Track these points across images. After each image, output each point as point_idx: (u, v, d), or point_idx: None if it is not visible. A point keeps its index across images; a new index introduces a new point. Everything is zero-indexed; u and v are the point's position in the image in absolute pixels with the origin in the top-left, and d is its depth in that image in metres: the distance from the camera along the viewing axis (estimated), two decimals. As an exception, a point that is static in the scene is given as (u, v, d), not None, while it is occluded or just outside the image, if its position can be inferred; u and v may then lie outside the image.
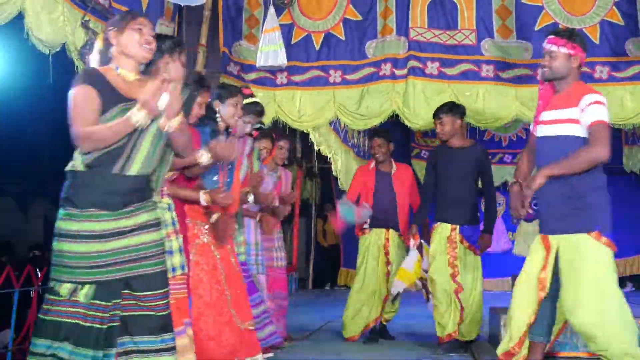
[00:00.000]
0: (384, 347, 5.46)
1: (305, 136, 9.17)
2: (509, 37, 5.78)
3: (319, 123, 6.22)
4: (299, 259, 10.85)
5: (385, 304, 5.62)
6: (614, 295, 3.33)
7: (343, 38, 5.96)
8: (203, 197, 3.56)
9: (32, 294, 5.31)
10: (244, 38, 6.07)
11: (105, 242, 2.71)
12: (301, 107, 5.98)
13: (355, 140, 9.54)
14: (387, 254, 5.61)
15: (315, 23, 6.00)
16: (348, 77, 5.93)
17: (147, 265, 2.77)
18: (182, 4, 5.34)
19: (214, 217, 3.72)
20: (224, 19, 6.05)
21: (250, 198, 4.31)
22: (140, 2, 4.88)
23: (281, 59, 5.69)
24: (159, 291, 2.80)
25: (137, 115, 2.66)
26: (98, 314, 2.71)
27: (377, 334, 5.63)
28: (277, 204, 4.98)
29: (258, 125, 4.98)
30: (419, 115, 5.70)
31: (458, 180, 5.07)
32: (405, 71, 5.83)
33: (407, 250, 5.54)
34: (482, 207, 5.24)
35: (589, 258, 3.36)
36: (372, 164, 5.79)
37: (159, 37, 3.31)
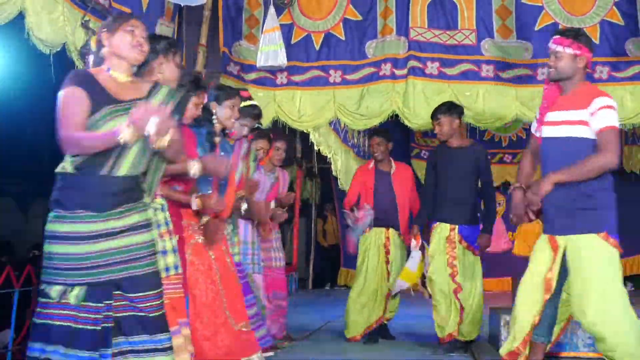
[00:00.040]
0: (384, 347, 5.46)
1: (305, 136, 9.17)
2: (509, 37, 5.78)
3: (319, 123, 6.22)
4: (299, 259, 10.84)
5: (388, 302, 5.61)
6: (622, 296, 3.33)
7: (343, 38, 5.96)
8: (195, 202, 3.53)
9: (32, 294, 5.31)
10: (244, 38, 6.07)
11: (94, 243, 2.71)
12: (301, 107, 5.98)
13: (355, 140, 9.54)
14: (387, 253, 5.60)
15: (315, 23, 6.00)
16: (348, 77, 5.93)
17: (137, 266, 2.76)
18: (182, 4, 5.34)
19: (204, 219, 3.71)
20: (224, 19, 6.05)
21: (244, 207, 4.27)
22: (141, 2, 4.89)
23: (281, 59, 5.69)
24: (151, 292, 2.79)
25: (124, 132, 2.61)
26: (90, 315, 2.70)
27: (377, 334, 5.63)
28: (269, 218, 4.94)
29: (255, 126, 4.98)
30: (418, 115, 5.70)
31: (458, 180, 5.07)
32: (405, 71, 5.83)
33: (407, 249, 5.54)
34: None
35: (598, 259, 3.34)
36: (372, 164, 5.79)
37: (154, 38, 3.30)
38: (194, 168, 3.16)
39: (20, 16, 3.56)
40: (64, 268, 2.69)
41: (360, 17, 5.96)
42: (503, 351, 3.57)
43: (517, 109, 5.74)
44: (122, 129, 2.60)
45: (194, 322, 3.59)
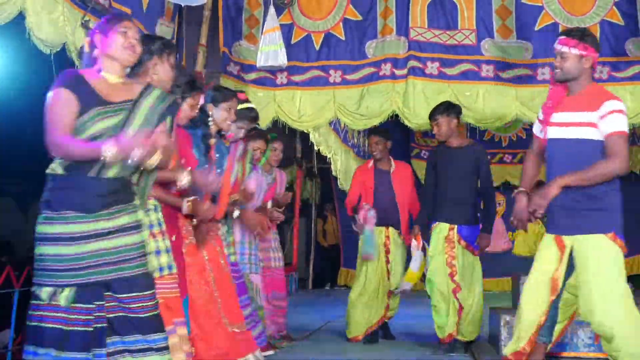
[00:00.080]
0: (384, 347, 5.46)
1: (305, 136, 9.16)
2: (509, 37, 5.78)
3: (319, 123, 6.22)
4: (299, 259, 10.84)
5: (389, 300, 5.60)
6: (629, 297, 3.32)
7: (343, 38, 5.96)
8: (185, 206, 3.49)
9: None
10: (244, 38, 6.07)
11: (84, 244, 2.71)
12: (301, 107, 5.98)
13: (355, 140, 9.54)
14: (387, 252, 5.60)
15: (315, 23, 6.00)
16: (348, 77, 5.93)
17: (127, 267, 2.76)
18: (182, 4, 5.33)
19: (195, 220, 3.70)
20: (224, 19, 6.05)
21: (236, 213, 4.25)
22: (141, 2, 4.88)
23: (281, 59, 5.69)
24: (143, 293, 2.79)
25: (108, 150, 2.61)
26: (81, 317, 2.70)
27: (377, 334, 5.62)
28: (260, 230, 4.92)
29: (252, 127, 4.97)
30: (418, 115, 5.69)
31: (457, 180, 5.07)
32: (405, 71, 5.83)
33: (407, 249, 5.54)
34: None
35: (606, 259, 3.33)
36: (371, 163, 5.78)
37: (149, 38, 3.29)
38: (184, 179, 3.12)
39: (21, 16, 3.56)
40: (54, 269, 2.69)
41: (360, 17, 5.96)
42: (508, 351, 3.54)
43: (517, 109, 5.73)
44: (107, 147, 2.60)
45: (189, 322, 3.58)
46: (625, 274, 3.41)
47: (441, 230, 5.05)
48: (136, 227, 2.83)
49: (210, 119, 3.87)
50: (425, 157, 9.69)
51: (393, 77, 5.85)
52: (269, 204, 5.39)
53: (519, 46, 5.76)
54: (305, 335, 5.96)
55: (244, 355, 3.77)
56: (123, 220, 2.78)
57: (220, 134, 4.02)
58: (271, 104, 5.96)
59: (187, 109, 3.60)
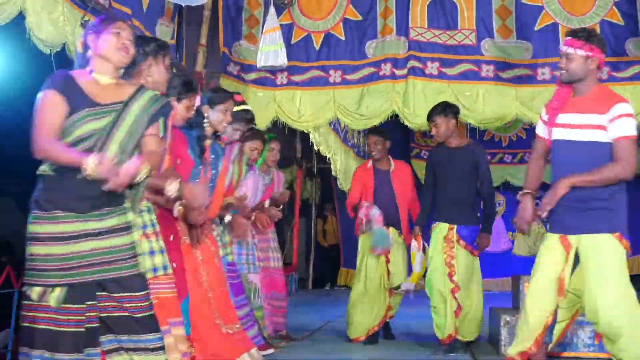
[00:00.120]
0: (384, 347, 5.46)
1: (305, 136, 9.16)
2: (509, 37, 5.78)
3: (318, 123, 6.22)
4: (299, 259, 10.84)
5: (391, 300, 5.59)
6: (633, 297, 3.32)
7: (343, 38, 5.96)
8: (176, 209, 3.49)
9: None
10: (244, 38, 6.08)
11: (73, 244, 2.71)
12: (301, 107, 5.98)
13: (355, 140, 9.55)
14: (387, 252, 5.58)
15: (315, 23, 6.00)
16: (348, 77, 5.93)
17: (121, 268, 2.76)
18: (182, 4, 5.33)
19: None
20: (224, 19, 6.05)
21: (227, 218, 4.23)
22: (141, 2, 4.88)
23: (281, 59, 5.69)
24: (137, 293, 2.79)
25: (88, 167, 2.62)
26: (72, 317, 2.70)
27: (377, 334, 5.61)
28: (249, 237, 4.91)
29: (247, 128, 4.96)
30: (418, 115, 5.69)
31: (457, 180, 5.06)
32: (405, 71, 5.83)
33: (408, 248, 5.53)
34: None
35: (612, 259, 3.32)
36: (370, 163, 5.76)
37: (144, 40, 3.29)
38: (172, 190, 3.09)
39: (21, 16, 3.56)
40: (44, 269, 2.70)
41: (360, 17, 5.96)
42: (513, 351, 3.51)
43: (517, 109, 5.73)
44: (89, 162, 2.61)
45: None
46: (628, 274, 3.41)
47: (441, 230, 5.04)
48: (126, 228, 2.83)
49: (206, 120, 3.86)
50: (425, 157, 9.70)
51: (393, 77, 5.85)
52: (267, 203, 5.39)
53: (519, 46, 5.76)
54: (305, 335, 5.96)
55: (239, 355, 3.76)
56: (113, 221, 2.78)
57: (216, 135, 4.01)
58: (271, 104, 5.96)
59: (183, 110, 3.59)
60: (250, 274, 4.91)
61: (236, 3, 6.09)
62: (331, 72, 5.94)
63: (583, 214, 3.36)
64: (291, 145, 10.03)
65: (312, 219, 11.37)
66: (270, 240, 5.44)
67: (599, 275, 3.31)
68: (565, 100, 3.48)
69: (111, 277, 2.75)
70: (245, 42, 6.06)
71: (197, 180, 3.76)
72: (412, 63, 5.81)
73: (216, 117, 3.90)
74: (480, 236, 5.04)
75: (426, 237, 5.31)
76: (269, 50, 5.70)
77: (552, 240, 3.47)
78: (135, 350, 2.77)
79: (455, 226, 5.01)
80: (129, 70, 3.08)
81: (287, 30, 5.91)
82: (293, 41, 5.97)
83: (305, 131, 7.69)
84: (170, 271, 3.25)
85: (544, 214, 3.40)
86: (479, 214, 5.16)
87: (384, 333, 5.73)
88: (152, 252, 3.16)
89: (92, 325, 2.74)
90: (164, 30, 5.26)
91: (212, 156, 3.91)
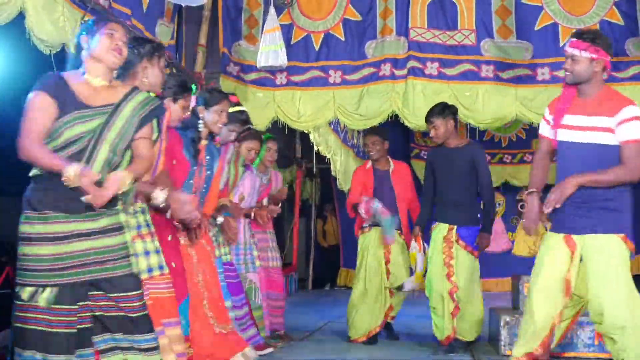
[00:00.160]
0: (384, 347, 5.46)
1: (304, 136, 9.16)
2: (509, 38, 5.78)
3: (318, 123, 6.22)
4: (298, 259, 10.84)
5: (392, 300, 5.59)
6: (637, 298, 3.31)
7: (343, 38, 5.96)
8: (169, 212, 3.44)
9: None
10: (243, 38, 6.08)
11: (65, 244, 2.71)
12: (301, 107, 5.98)
13: (355, 140, 9.54)
14: (388, 252, 5.56)
15: (314, 23, 6.00)
16: (348, 77, 5.93)
17: (113, 268, 2.76)
18: (182, 4, 5.34)
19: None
20: (223, 19, 6.06)
21: (219, 219, 4.20)
22: (141, 2, 4.88)
23: (282, 59, 5.69)
24: (131, 293, 2.79)
25: (68, 175, 2.63)
26: (62, 318, 2.69)
27: (377, 335, 5.60)
28: (240, 239, 4.89)
29: (244, 128, 4.96)
30: (418, 115, 5.68)
31: (456, 180, 5.06)
32: (404, 71, 5.83)
33: (407, 248, 5.53)
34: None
35: (617, 260, 3.30)
36: (369, 164, 5.75)
37: (139, 41, 3.28)
38: (158, 199, 3.09)
39: (21, 16, 3.56)
40: (35, 269, 2.70)
41: (359, 17, 5.96)
42: (519, 352, 3.45)
43: (517, 109, 5.74)
44: (69, 171, 2.62)
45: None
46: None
47: (440, 230, 5.04)
48: (118, 228, 2.82)
49: (200, 121, 3.84)
50: (425, 157, 9.68)
51: (393, 77, 5.85)
52: (265, 202, 5.39)
53: (518, 46, 5.76)
54: (305, 335, 5.96)
55: (233, 355, 3.75)
56: (104, 222, 2.78)
57: (211, 136, 4.00)
58: (271, 104, 5.96)
59: (178, 111, 3.57)
60: (249, 273, 4.91)
61: (236, 3, 6.09)
62: (331, 72, 5.94)
63: (588, 214, 3.34)
64: (291, 145, 10.03)
65: (312, 219, 11.37)
66: (269, 240, 5.44)
67: (604, 275, 3.28)
68: (571, 101, 3.45)
69: (103, 277, 2.74)
70: (245, 43, 6.06)
71: (192, 181, 3.76)
72: (412, 63, 5.82)
73: (211, 118, 3.88)
74: (481, 236, 5.04)
75: (426, 238, 5.31)
76: (269, 50, 5.70)
77: (556, 240, 3.42)
78: (130, 349, 2.77)
79: (455, 227, 5.00)
80: (125, 72, 3.07)
81: (286, 31, 5.91)
82: (293, 41, 5.97)
83: (305, 131, 7.69)
84: (166, 271, 3.23)
85: (548, 210, 3.37)
86: (479, 215, 5.15)
87: (386, 334, 5.72)
88: (147, 253, 3.14)
89: (84, 325, 2.74)
90: (164, 31, 5.26)
91: (208, 157, 3.90)
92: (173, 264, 3.40)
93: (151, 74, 3.21)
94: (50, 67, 3.73)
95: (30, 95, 2.75)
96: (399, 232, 5.62)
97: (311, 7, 6.01)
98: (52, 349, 2.67)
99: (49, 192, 2.70)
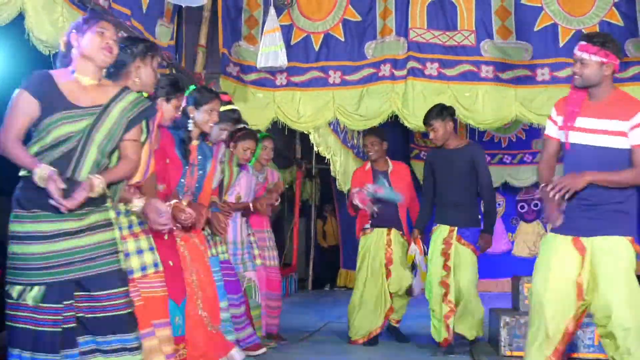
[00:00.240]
0: (383, 348, 5.46)
1: (304, 137, 9.16)
2: (509, 38, 5.78)
3: (318, 124, 6.22)
4: (298, 260, 10.83)
5: (393, 302, 5.59)
6: None
7: (342, 39, 5.96)
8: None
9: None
10: (243, 39, 6.08)
11: (53, 242, 2.70)
12: (300, 108, 5.98)
13: (355, 141, 9.54)
14: (389, 253, 5.56)
15: (314, 24, 6.00)
16: (347, 77, 5.93)
17: (98, 265, 2.75)
18: (182, 5, 5.34)
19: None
20: (223, 19, 6.05)
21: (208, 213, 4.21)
22: (141, 2, 4.88)
23: (282, 60, 5.69)
24: (115, 290, 2.77)
25: (37, 176, 2.64)
26: (49, 317, 2.69)
27: (378, 337, 5.59)
28: (224, 232, 4.89)
29: (242, 125, 4.95)
30: (418, 116, 5.67)
31: (456, 181, 5.05)
32: (404, 72, 5.83)
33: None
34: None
35: (626, 262, 3.27)
36: (368, 165, 5.75)
37: (132, 40, 3.26)
38: (135, 207, 3.08)
39: (20, 17, 3.56)
40: (24, 268, 2.69)
41: (359, 18, 5.96)
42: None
43: (516, 110, 5.73)
44: (36, 172, 2.63)
45: None
46: None
47: (441, 232, 5.04)
48: (106, 225, 2.81)
49: (190, 121, 3.82)
50: (424, 158, 9.68)
51: (392, 77, 5.85)
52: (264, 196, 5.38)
53: (518, 47, 5.76)
54: (305, 336, 5.96)
55: (225, 355, 3.75)
56: (92, 218, 2.77)
57: (203, 135, 3.98)
58: (271, 105, 5.96)
59: (171, 111, 3.56)
60: (247, 272, 4.90)
61: (236, 4, 6.09)
62: (330, 72, 5.94)
63: (599, 216, 3.30)
64: (291, 146, 10.02)
65: (312, 220, 11.37)
66: (266, 239, 5.44)
67: (613, 277, 3.25)
68: (581, 103, 3.39)
69: (90, 274, 2.73)
70: (245, 43, 6.06)
71: (183, 181, 3.74)
72: (412, 64, 5.82)
73: (201, 117, 3.84)
74: (482, 237, 5.03)
75: (426, 240, 5.30)
76: (269, 51, 5.70)
77: (562, 242, 3.36)
78: (114, 351, 2.75)
79: (456, 228, 5.00)
80: (117, 71, 3.06)
81: (286, 31, 5.90)
82: (292, 42, 5.97)
83: (305, 132, 7.69)
84: (161, 269, 3.20)
85: (560, 194, 3.26)
86: (479, 215, 5.15)
87: (395, 337, 5.71)
88: (140, 251, 3.12)
89: (69, 325, 2.73)
90: (164, 31, 5.26)
91: (200, 157, 3.88)
92: (170, 263, 3.39)
93: (144, 74, 3.18)
94: (49, 68, 3.73)
95: (16, 92, 2.75)
96: (401, 233, 5.62)
97: (311, 8, 6.01)
98: (39, 347, 2.67)
99: (37, 191, 2.68)
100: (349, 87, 5.92)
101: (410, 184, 5.76)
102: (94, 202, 2.77)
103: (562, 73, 5.64)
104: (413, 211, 5.65)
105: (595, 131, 3.35)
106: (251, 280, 4.93)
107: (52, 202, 2.65)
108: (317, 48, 5.97)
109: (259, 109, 5.93)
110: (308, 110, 5.98)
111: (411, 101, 5.78)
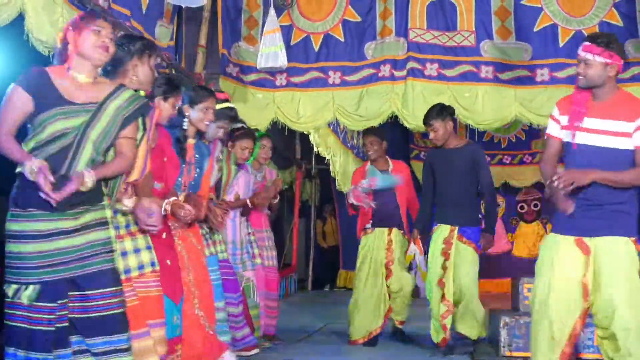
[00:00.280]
0: (383, 348, 5.46)
1: (304, 137, 9.16)
2: (508, 39, 5.79)
3: (318, 124, 6.23)
4: (298, 260, 10.83)
5: (391, 302, 5.58)
6: None
7: (342, 39, 5.96)
8: (164, 207, 3.42)
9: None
10: (243, 39, 6.08)
11: (49, 241, 2.71)
12: (300, 108, 5.99)
13: (355, 141, 9.53)
14: (389, 253, 5.55)
15: (314, 24, 6.00)
16: (347, 78, 5.93)
17: (93, 263, 2.76)
18: (182, 5, 5.34)
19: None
20: (223, 20, 6.05)
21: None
22: (140, 3, 4.88)
23: (282, 60, 5.69)
24: (108, 289, 2.77)
25: (25, 170, 2.64)
26: (43, 316, 2.69)
27: (377, 337, 5.59)
28: (221, 227, 4.89)
29: (240, 125, 4.95)
30: (418, 116, 5.67)
31: (456, 181, 5.05)
32: (404, 72, 5.83)
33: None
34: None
35: (630, 261, 3.28)
36: (368, 165, 5.76)
37: (129, 38, 3.26)
38: (125, 206, 3.07)
39: (20, 17, 3.56)
40: (20, 267, 2.70)
41: (359, 18, 5.96)
42: None
43: (516, 110, 5.74)
44: (26, 165, 2.64)
45: None
46: None
47: (442, 232, 5.03)
48: (102, 223, 2.82)
49: (185, 120, 3.81)
50: (424, 158, 9.67)
51: (392, 78, 5.86)
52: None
53: (518, 47, 5.76)
54: (304, 336, 5.96)
55: (219, 355, 3.74)
56: (88, 217, 2.77)
57: (200, 134, 3.98)
58: (270, 106, 5.96)
59: (169, 109, 3.55)
60: (246, 271, 4.90)
61: (235, 4, 6.09)
62: (330, 73, 5.94)
63: (603, 216, 3.30)
64: (290, 146, 10.02)
65: (312, 220, 11.36)
66: (265, 239, 5.44)
67: (616, 277, 3.25)
68: (586, 104, 3.38)
69: (84, 272, 2.74)
70: (245, 44, 6.07)
71: (180, 179, 3.74)
72: (412, 64, 5.82)
73: (197, 116, 3.83)
74: (484, 236, 5.03)
75: (427, 240, 5.30)
76: (269, 51, 5.70)
77: (565, 242, 3.35)
78: (104, 353, 2.75)
79: (457, 228, 5.00)
80: (115, 69, 3.06)
81: (286, 32, 5.91)
82: (292, 42, 5.97)
83: (305, 132, 7.69)
84: (157, 268, 3.19)
85: (564, 185, 3.21)
86: (480, 215, 5.14)
87: (400, 339, 5.70)
88: (136, 250, 3.12)
89: (63, 325, 2.74)
90: (163, 32, 5.26)
91: (197, 156, 3.88)
92: (168, 262, 3.38)
93: (141, 72, 3.18)
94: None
95: (10, 87, 2.76)
96: (402, 232, 5.62)
97: (311, 8, 6.01)
98: (33, 346, 2.68)
99: (34, 189, 2.68)
100: (349, 88, 5.92)
101: (410, 183, 5.76)
102: (90, 201, 2.77)
103: (562, 73, 5.65)
104: (413, 211, 5.64)
105: (599, 132, 3.34)
106: (250, 280, 4.93)
107: (42, 194, 2.65)
108: (316, 48, 5.97)
109: (258, 109, 5.93)
110: (308, 110, 5.98)
111: (411, 102, 5.78)
